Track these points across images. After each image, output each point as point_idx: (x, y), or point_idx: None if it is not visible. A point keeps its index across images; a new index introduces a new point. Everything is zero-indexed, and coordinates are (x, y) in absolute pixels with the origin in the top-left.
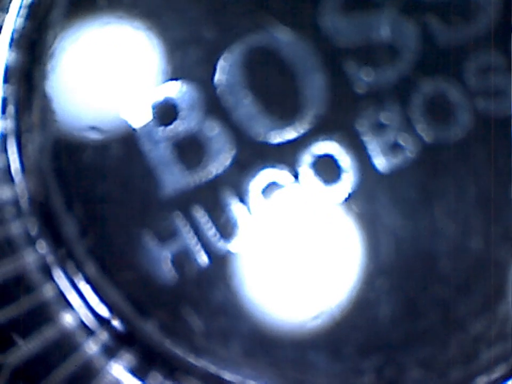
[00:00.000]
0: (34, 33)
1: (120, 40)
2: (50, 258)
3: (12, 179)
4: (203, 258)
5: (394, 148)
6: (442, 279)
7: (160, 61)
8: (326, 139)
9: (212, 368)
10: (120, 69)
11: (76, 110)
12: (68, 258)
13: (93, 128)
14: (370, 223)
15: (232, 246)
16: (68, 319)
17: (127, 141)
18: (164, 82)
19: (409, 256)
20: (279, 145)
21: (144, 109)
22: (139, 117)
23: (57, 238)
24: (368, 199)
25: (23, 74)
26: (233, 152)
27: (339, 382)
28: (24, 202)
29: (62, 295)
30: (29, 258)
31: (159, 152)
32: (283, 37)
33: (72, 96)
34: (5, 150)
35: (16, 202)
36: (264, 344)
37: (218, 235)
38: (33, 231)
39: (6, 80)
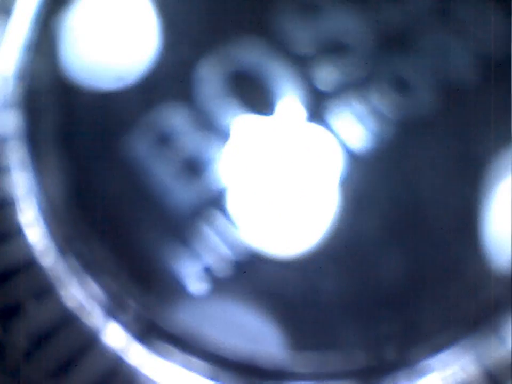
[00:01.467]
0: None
1: None
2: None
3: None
4: (231, 262)
5: (366, 134)
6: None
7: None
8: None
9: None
10: None
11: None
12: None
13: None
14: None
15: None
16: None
17: (133, 167)
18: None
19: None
20: None
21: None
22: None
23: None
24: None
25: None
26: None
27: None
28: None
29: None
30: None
31: (165, 171)
32: (247, 49)
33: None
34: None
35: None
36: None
37: (239, 235)
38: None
39: None
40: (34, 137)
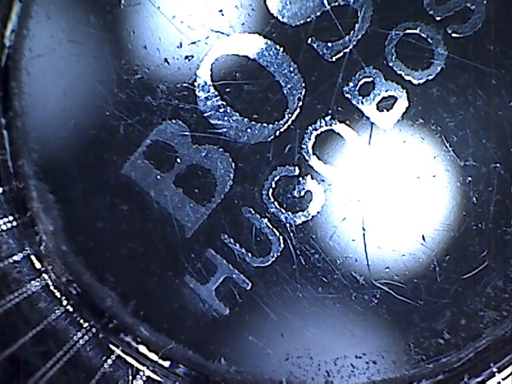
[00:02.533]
0: None
1: None
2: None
3: (34, 269)
4: (245, 281)
5: (386, 100)
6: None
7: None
8: (319, 118)
9: None
10: None
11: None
12: (118, 327)
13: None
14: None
15: (267, 259)
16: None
17: (138, 199)
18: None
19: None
20: (275, 140)
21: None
22: None
23: (99, 311)
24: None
25: None
26: (233, 167)
27: None
28: (55, 287)
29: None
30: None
31: (168, 198)
32: (242, 40)
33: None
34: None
35: (47, 289)
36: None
37: (250, 254)
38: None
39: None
40: None
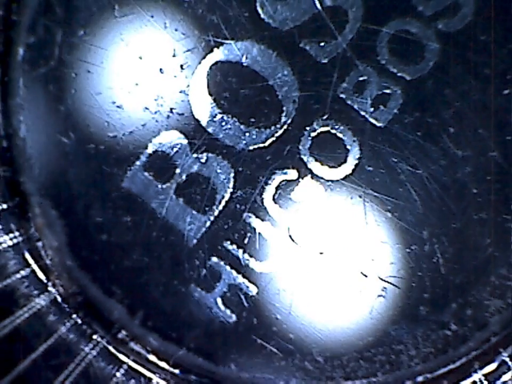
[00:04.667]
0: None
1: None
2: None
3: (41, 283)
4: (251, 288)
5: (381, 98)
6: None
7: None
8: (315, 119)
9: None
10: None
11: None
12: (127, 337)
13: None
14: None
15: (271, 263)
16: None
17: (140, 210)
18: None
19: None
20: (273, 144)
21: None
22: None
23: (108, 323)
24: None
25: None
26: (233, 174)
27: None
28: (63, 301)
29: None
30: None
31: (169, 208)
32: (235, 46)
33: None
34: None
35: (55, 304)
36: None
37: (254, 259)
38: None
39: None
40: None
